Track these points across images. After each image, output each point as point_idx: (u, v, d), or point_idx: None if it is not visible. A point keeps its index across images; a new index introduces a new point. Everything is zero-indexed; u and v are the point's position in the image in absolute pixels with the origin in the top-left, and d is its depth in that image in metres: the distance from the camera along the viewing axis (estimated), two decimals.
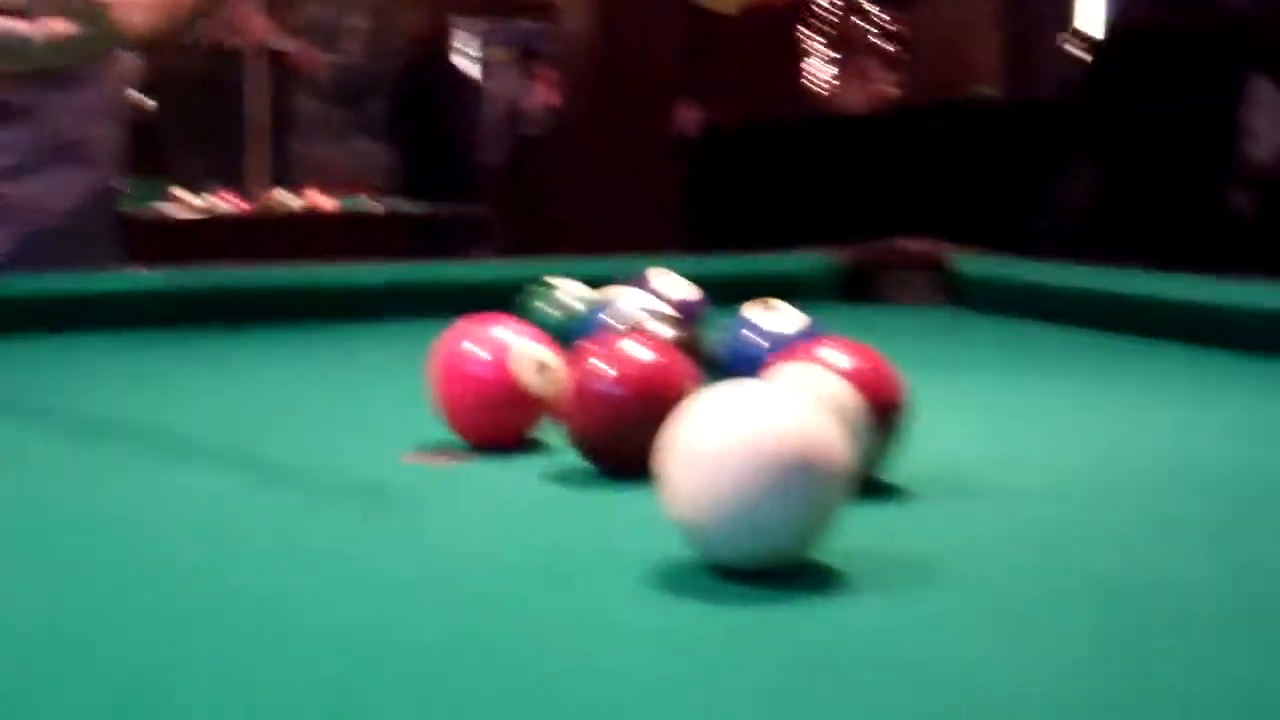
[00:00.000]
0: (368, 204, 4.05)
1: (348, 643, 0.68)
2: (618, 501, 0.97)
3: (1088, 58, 5.83)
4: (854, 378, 0.93)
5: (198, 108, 4.87)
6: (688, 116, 6.81)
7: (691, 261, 1.96)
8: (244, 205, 4.08)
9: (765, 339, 1.13)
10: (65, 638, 0.69)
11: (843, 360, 0.94)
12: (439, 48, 5.79)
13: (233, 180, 4.45)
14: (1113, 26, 5.10)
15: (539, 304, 1.34)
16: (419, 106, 5.12)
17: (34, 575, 0.81)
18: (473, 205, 4.69)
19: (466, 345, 1.09)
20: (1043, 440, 1.24)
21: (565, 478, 1.02)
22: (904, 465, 0.97)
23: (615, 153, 6.51)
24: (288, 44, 4.46)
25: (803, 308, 1.20)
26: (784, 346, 1.02)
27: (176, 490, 1.02)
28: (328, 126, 4.64)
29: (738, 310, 1.24)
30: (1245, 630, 0.72)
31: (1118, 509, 0.98)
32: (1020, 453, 1.17)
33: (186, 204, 4.07)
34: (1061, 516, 0.95)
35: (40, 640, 0.69)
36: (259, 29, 4.43)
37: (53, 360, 1.66)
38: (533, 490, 1.00)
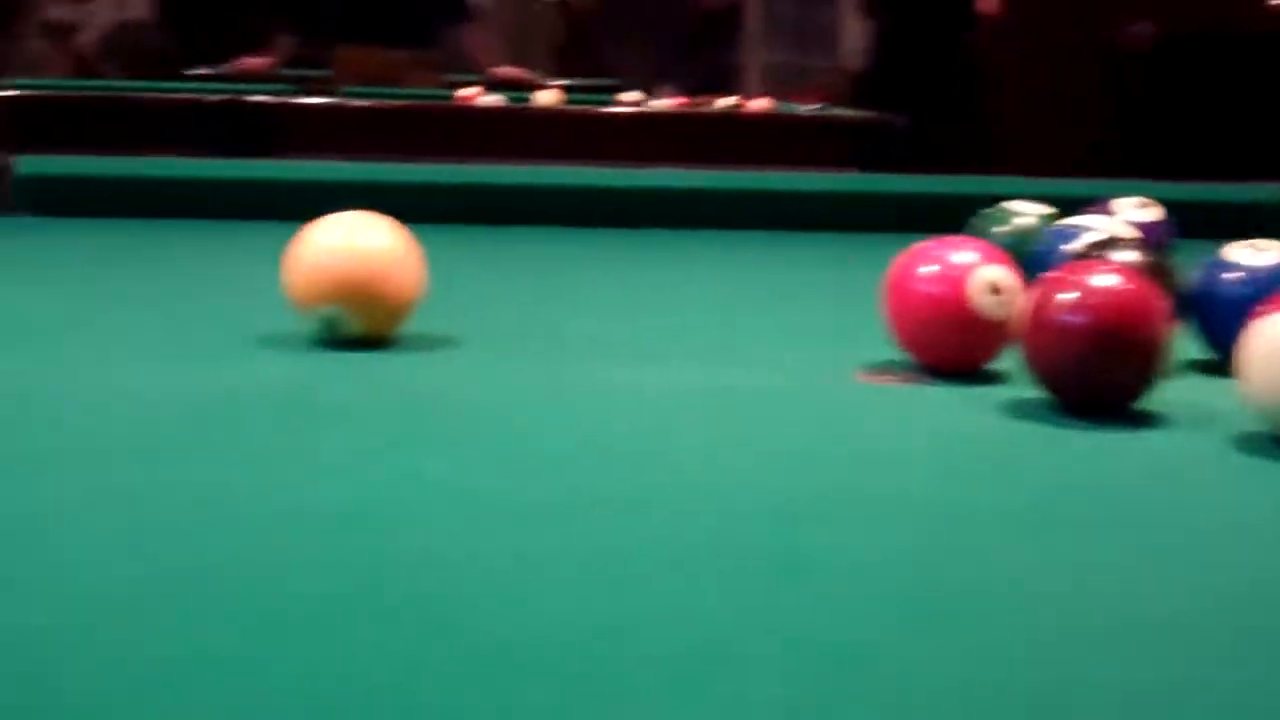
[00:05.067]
0: (829, 111, 3.98)
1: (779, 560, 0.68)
2: (1073, 440, 0.92)
3: None
4: None
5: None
6: (1137, 31, 6.40)
7: (1154, 186, 1.84)
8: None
9: (1250, 279, 1.04)
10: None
11: None
12: None
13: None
14: None
15: (995, 227, 1.29)
16: None
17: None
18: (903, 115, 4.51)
19: (921, 264, 1.07)
20: None
21: (1016, 409, 0.98)
22: None
23: (1040, 62, 6.19)
24: None
25: None
26: (1272, 289, 0.93)
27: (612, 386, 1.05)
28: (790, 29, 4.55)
29: (1205, 241, 1.15)
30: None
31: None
32: None
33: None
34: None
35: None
36: None
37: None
38: (976, 420, 0.97)
